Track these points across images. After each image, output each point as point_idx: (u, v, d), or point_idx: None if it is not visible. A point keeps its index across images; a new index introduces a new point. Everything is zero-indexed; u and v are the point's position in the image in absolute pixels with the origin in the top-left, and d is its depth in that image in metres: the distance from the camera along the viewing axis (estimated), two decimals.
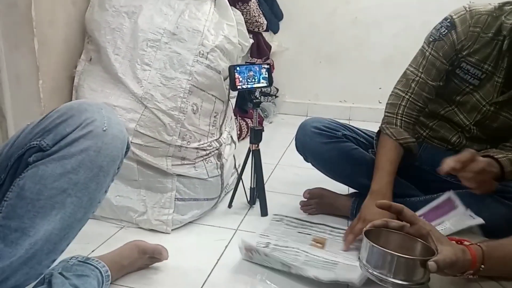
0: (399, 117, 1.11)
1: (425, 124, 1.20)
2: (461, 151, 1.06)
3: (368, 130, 1.31)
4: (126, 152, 0.74)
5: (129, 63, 1.20)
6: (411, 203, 1.06)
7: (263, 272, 0.99)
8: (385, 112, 1.14)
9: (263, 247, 1.06)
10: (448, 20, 1.07)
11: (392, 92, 1.15)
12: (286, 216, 1.26)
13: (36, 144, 0.66)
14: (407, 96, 1.11)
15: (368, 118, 2.61)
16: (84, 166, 0.66)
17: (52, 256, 0.67)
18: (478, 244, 0.71)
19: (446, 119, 1.16)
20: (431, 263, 0.63)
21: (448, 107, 1.15)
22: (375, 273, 0.66)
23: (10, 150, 0.69)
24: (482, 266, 0.69)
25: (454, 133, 1.16)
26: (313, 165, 1.29)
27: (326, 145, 1.20)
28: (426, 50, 1.09)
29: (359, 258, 0.71)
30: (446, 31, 1.06)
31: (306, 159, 1.30)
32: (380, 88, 2.62)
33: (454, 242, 0.72)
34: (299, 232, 1.18)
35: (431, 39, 1.09)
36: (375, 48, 2.56)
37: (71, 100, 1.26)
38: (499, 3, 1.04)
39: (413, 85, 1.10)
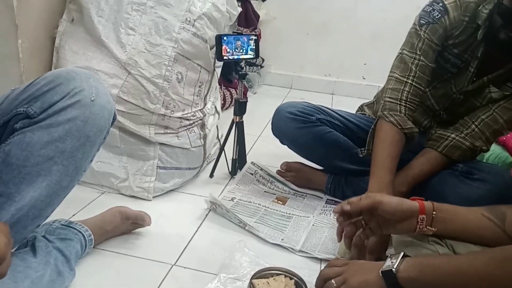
0: (403, 104, 1.04)
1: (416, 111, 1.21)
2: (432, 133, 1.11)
3: (341, 111, 1.33)
4: (113, 123, 0.74)
5: (113, 26, 1.16)
6: None
7: (242, 239, 1.03)
8: (387, 97, 1.06)
9: (229, 200, 1.21)
10: (440, 4, 1.03)
11: (390, 77, 1.09)
12: (261, 169, 1.36)
13: (23, 110, 0.66)
14: (409, 81, 1.05)
15: (351, 93, 2.64)
16: (71, 135, 0.67)
17: (37, 222, 0.69)
18: (431, 202, 0.77)
19: (420, 102, 1.17)
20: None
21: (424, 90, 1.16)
22: None
23: None
24: (434, 212, 0.75)
25: (425, 117, 1.19)
26: (289, 147, 1.32)
27: (301, 129, 1.22)
28: (420, 32, 1.05)
29: None
30: (440, 15, 1.03)
31: (282, 142, 1.33)
32: (365, 64, 2.63)
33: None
34: (265, 192, 1.29)
35: (423, 22, 1.05)
36: (363, 21, 2.55)
37: (51, 61, 1.22)
38: None
39: (414, 68, 1.05)
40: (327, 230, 1.10)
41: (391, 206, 0.76)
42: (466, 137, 1.07)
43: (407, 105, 1.05)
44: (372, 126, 1.09)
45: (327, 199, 1.28)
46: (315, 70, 2.73)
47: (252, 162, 1.36)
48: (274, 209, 1.19)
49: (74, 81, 0.68)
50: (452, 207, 0.78)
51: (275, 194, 1.28)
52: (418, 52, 1.05)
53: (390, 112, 1.04)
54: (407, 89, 1.05)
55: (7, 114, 0.67)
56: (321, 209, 1.22)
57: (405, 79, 1.05)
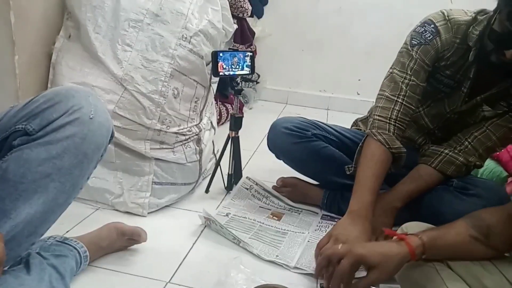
0: (392, 122, 1.03)
1: (405, 131, 1.22)
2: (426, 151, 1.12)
3: (337, 126, 1.34)
4: (110, 140, 0.75)
5: (110, 42, 1.18)
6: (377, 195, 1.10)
7: (237, 256, 1.02)
8: (376, 116, 1.05)
9: (223, 215, 1.20)
10: (432, 26, 1.03)
11: (380, 95, 1.08)
12: (256, 184, 1.35)
13: (22, 128, 0.66)
14: (399, 100, 1.04)
15: (345, 109, 2.66)
16: (69, 152, 0.67)
17: (32, 239, 0.68)
18: (419, 236, 0.75)
19: (413, 120, 1.18)
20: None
21: (416, 109, 1.15)
22: None
23: None
24: (424, 256, 0.74)
25: (420, 134, 1.20)
26: (285, 162, 1.33)
27: (297, 145, 1.23)
28: (412, 52, 1.04)
29: None
30: (432, 36, 1.02)
31: (278, 157, 1.33)
32: (359, 80, 2.66)
33: (394, 238, 0.77)
34: (260, 207, 1.28)
35: (414, 42, 1.04)
36: (357, 38, 2.59)
37: (48, 77, 1.23)
38: (474, 12, 1.03)
39: (404, 88, 1.03)
40: None
41: (376, 259, 0.73)
42: (460, 153, 1.08)
43: (397, 124, 1.04)
44: (360, 144, 1.09)
45: (323, 214, 1.27)
46: (310, 85, 2.75)
47: (247, 177, 1.36)
48: (269, 225, 1.18)
49: (73, 99, 0.68)
50: (441, 234, 0.76)
51: (270, 210, 1.27)
52: (409, 72, 1.04)
53: (379, 131, 1.03)
54: (397, 108, 1.04)
55: (6, 130, 0.67)
56: (317, 225, 1.21)
57: (396, 98, 1.04)
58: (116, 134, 1.13)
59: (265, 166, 1.49)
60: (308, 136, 1.24)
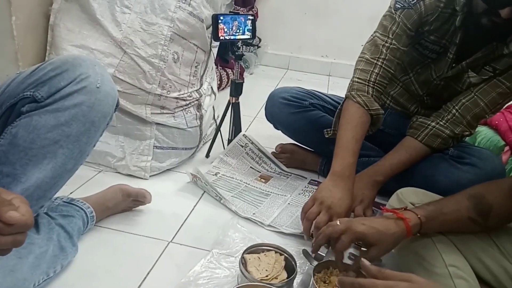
0: (371, 85, 1.04)
1: (388, 92, 1.22)
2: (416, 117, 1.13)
3: (335, 96, 1.34)
4: (116, 109, 0.76)
5: (108, 4, 1.15)
6: (373, 163, 1.12)
7: (234, 217, 1.06)
8: (355, 78, 1.06)
9: (212, 174, 1.24)
10: None
11: (360, 58, 1.08)
12: (251, 143, 1.33)
13: (30, 94, 0.67)
14: (379, 63, 1.04)
15: (347, 75, 2.59)
16: (77, 120, 0.69)
17: (41, 202, 0.71)
18: (418, 215, 0.76)
19: (405, 87, 1.18)
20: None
21: (406, 76, 1.17)
22: None
23: (0, 97, 0.69)
24: (418, 234, 0.76)
25: (412, 102, 1.20)
26: (283, 132, 1.33)
27: (294, 115, 1.24)
28: (395, 16, 1.04)
29: None
30: (415, 1, 1.01)
31: (276, 128, 1.34)
32: (362, 45, 2.61)
33: (391, 214, 0.78)
34: (251, 167, 1.30)
35: (398, 6, 1.03)
36: (361, 3, 2.52)
37: (46, 39, 1.21)
38: None
39: (384, 51, 1.04)
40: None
41: (375, 236, 0.75)
42: (447, 124, 1.07)
43: (375, 87, 1.04)
44: (339, 106, 1.09)
45: (311, 179, 1.29)
46: (312, 51, 2.71)
47: (244, 135, 1.34)
48: (254, 186, 1.21)
49: (80, 68, 0.69)
50: (439, 214, 0.76)
51: (260, 172, 1.29)
52: (390, 36, 1.04)
53: (358, 93, 1.03)
54: (376, 70, 1.04)
55: (14, 97, 0.68)
56: (302, 189, 1.23)
57: (375, 61, 1.04)
58: None
59: (264, 132, 1.51)
60: (306, 106, 1.25)
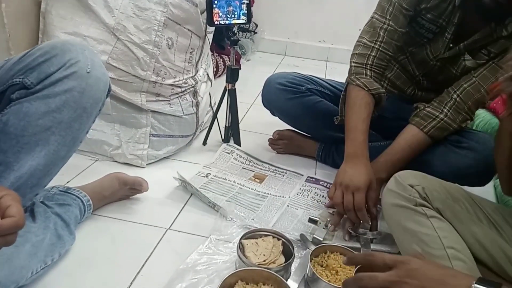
0: (368, 67, 1.05)
1: (385, 75, 1.20)
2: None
3: (332, 81, 1.33)
4: (108, 95, 0.75)
5: None
6: (373, 148, 1.10)
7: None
8: (353, 62, 1.08)
9: (203, 176, 1.16)
10: None
11: (358, 42, 1.08)
12: (237, 149, 1.32)
13: (19, 81, 0.66)
14: (376, 46, 1.05)
15: (345, 60, 2.57)
16: (68, 106, 0.68)
17: (35, 190, 0.70)
18: None
19: (402, 67, 1.17)
20: None
21: (403, 56, 1.15)
22: None
23: None
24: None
25: (409, 85, 1.19)
26: (280, 118, 1.32)
27: (291, 100, 1.22)
28: None
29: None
30: None
31: (273, 114, 1.33)
32: (360, 30, 2.58)
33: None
34: (243, 168, 1.25)
35: None
36: None
37: (38, 27, 1.19)
38: None
39: (381, 33, 1.04)
40: (301, 212, 1.06)
41: None
42: (450, 113, 1.05)
43: (373, 69, 1.06)
44: (343, 92, 1.10)
45: (308, 177, 1.23)
46: (309, 36, 2.68)
47: (227, 144, 1.33)
48: (249, 188, 1.14)
49: (69, 53, 0.68)
50: None
51: (253, 171, 1.23)
52: (388, 17, 1.04)
53: (357, 76, 1.05)
54: (373, 54, 1.05)
55: (3, 84, 0.67)
56: (299, 189, 1.17)
57: (373, 44, 1.05)
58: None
59: (261, 119, 1.50)
60: (302, 91, 1.23)
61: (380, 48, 1.05)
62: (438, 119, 1.05)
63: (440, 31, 1.05)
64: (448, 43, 1.06)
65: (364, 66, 1.05)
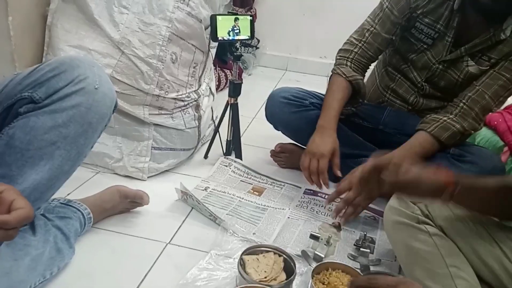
0: (349, 60, 1.18)
1: (387, 86, 1.25)
2: (420, 110, 1.18)
3: None
4: (114, 110, 0.76)
5: (106, 4, 1.15)
6: None
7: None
8: (337, 56, 1.21)
9: (202, 189, 1.16)
10: None
11: (347, 40, 1.21)
12: (235, 162, 1.32)
13: (28, 95, 0.67)
14: (360, 44, 1.18)
15: None
16: (75, 121, 0.68)
17: (37, 204, 0.70)
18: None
19: (404, 75, 1.22)
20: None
21: (405, 64, 1.21)
22: None
23: None
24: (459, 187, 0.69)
25: (411, 93, 1.22)
26: (283, 133, 1.33)
27: (295, 114, 1.24)
28: (384, 3, 1.15)
29: None
30: None
31: (276, 128, 1.34)
32: None
33: None
34: (241, 181, 1.25)
35: None
36: (359, 2, 2.51)
37: (43, 40, 1.20)
38: None
39: (366, 35, 1.17)
40: (302, 223, 1.06)
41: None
42: (456, 117, 1.09)
43: (353, 62, 1.18)
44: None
45: (306, 189, 1.23)
46: (310, 51, 2.71)
47: (225, 157, 1.33)
48: (249, 200, 1.14)
49: (78, 69, 0.69)
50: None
51: (251, 184, 1.24)
52: (376, 21, 1.16)
53: (338, 66, 1.18)
54: (355, 50, 1.19)
55: (11, 98, 0.68)
56: (298, 201, 1.18)
57: (357, 43, 1.19)
58: None
59: (263, 133, 1.50)
60: (306, 105, 1.25)
61: (363, 47, 1.18)
62: (441, 120, 1.10)
63: (439, 36, 1.11)
64: (449, 46, 1.11)
65: (346, 59, 1.19)
